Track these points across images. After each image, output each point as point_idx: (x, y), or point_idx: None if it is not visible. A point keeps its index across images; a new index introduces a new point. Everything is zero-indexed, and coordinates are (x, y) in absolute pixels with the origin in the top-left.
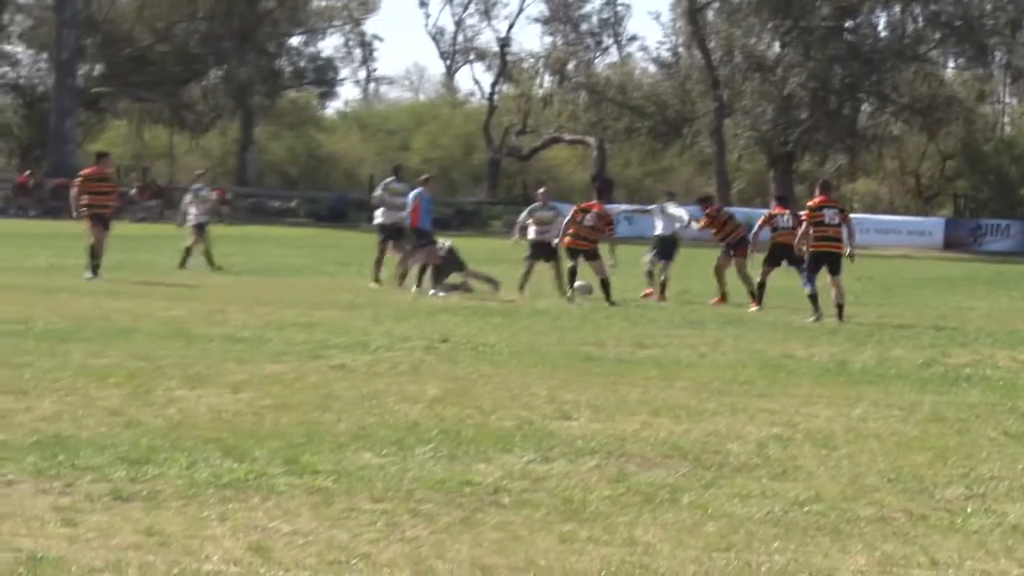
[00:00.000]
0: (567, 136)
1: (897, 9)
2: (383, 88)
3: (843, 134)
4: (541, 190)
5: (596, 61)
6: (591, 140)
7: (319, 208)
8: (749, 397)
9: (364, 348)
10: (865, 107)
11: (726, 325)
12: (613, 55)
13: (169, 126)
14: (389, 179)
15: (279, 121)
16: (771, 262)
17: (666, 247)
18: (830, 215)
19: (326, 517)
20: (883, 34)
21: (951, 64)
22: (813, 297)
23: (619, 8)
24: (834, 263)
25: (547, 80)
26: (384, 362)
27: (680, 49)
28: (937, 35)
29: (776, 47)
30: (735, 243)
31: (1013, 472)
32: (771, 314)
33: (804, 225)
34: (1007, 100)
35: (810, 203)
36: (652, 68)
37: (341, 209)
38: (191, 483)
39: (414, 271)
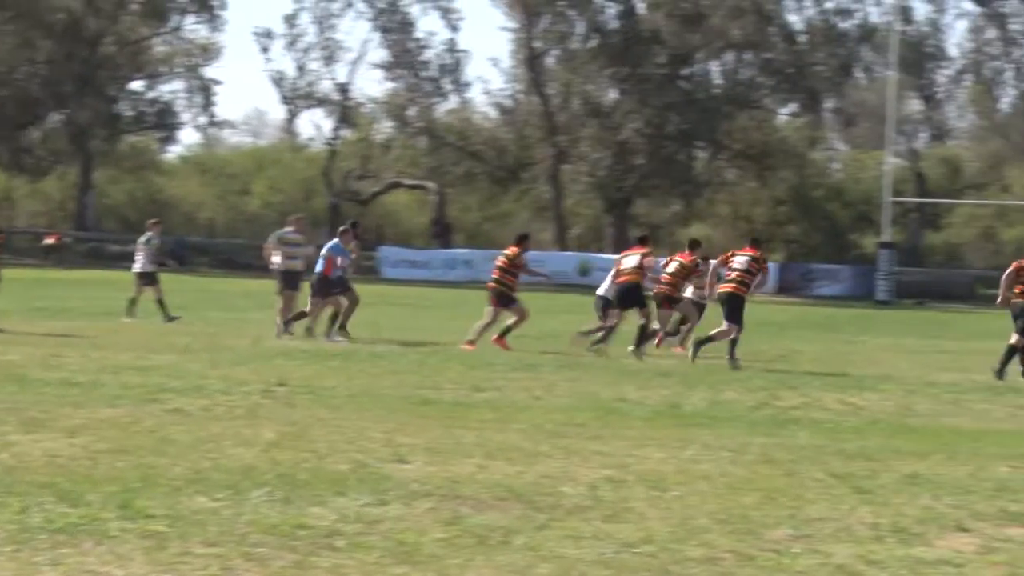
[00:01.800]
0: (407, 181)
1: (731, 57)
2: (224, 132)
3: (678, 180)
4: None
5: (436, 107)
6: (431, 185)
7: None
8: (582, 440)
9: (200, 392)
10: (700, 153)
11: (561, 368)
12: (453, 101)
13: (7, 170)
14: (285, 230)
15: (119, 165)
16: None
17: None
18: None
19: (159, 562)
20: (717, 81)
21: (783, 111)
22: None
23: (459, 54)
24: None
25: (387, 125)
26: (221, 406)
27: (519, 95)
28: (770, 82)
29: (613, 94)
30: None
31: (839, 513)
32: (605, 359)
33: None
34: (838, 146)
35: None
36: (492, 113)
37: (180, 253)
38: (23, 528)
39: (323, 317)
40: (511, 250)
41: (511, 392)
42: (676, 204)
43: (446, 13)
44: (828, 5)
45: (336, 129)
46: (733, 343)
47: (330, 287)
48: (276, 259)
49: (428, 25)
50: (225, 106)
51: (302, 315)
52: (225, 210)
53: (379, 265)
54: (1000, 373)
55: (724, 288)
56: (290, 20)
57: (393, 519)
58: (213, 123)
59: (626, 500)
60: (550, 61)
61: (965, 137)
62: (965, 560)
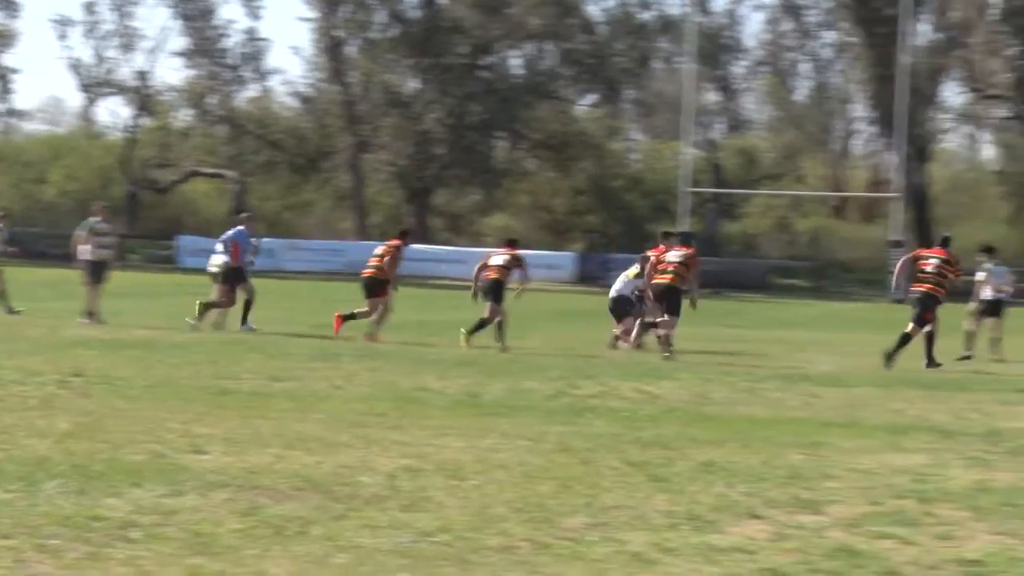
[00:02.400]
0: (206, 169)
1: (531, 47)
2: (20, 121)
3: (478, 169)
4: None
5: (236, 95)
6: (230, 174)
7: None
8: (382, 429)
9: None
10: (500, 143)
11: (362, 358)
12: (254, 89)
13: None
14: (93, 219)
15: None
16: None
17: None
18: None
19: None
20: (518, 71)
21: (583, 101)
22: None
23: (259, 43)
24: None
25: (186, 113)
26: (14, 396)
27: (320, 84)
28: (569, 72)
29: (414, 83)
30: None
31: (635, 501)
32: (406, 347)
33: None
34: (636, 136)
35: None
36: (292, 102)
37: None
38: None
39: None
40: (394, 242)
41: (311, 382)
42: (476, 194)
43: (247, 1)
44: None
45: (135, 117)
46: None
47: (239, 275)
48: (85, 249)
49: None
50: (22, 94)
51: (214, 305)
52: (21, 198)
53: (177, 254)
54: (889, 358)
55: (661, 280)
56: (89, 7)
57: (190, 510)
58: (11, 112)
59: (424, 489)
60: (351, 50)
61: (761, 128)
62: (758, 547)
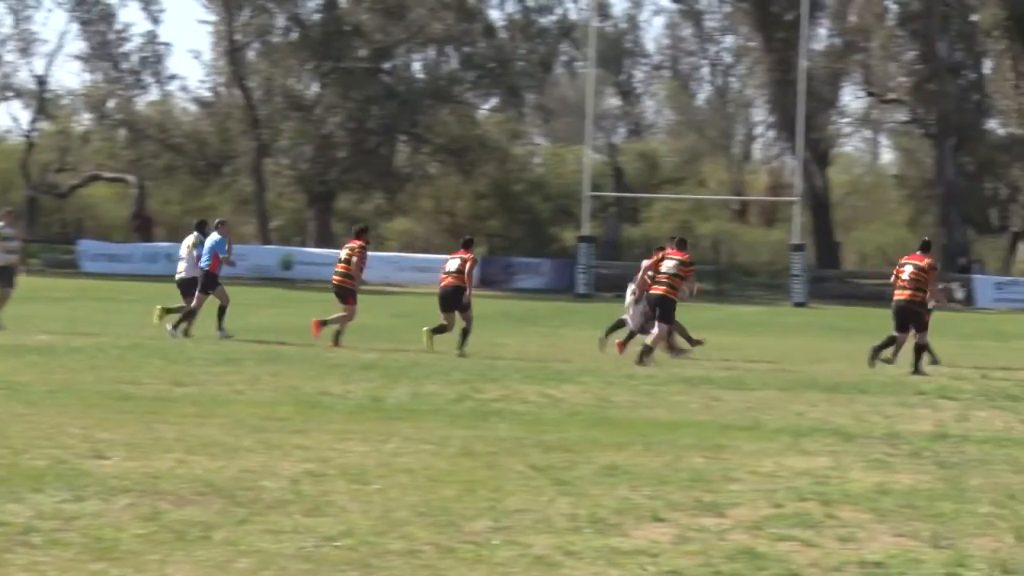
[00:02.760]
0: (106, 174)
1: (433, 51)
2: None
3: (381, 173)
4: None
5: (136, 99)
6: (131, 178)
7: None
8: (284, 434)
9: None
10: (402, 147)
11: (264, 362)
12: (154, 93)
13: None
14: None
15: None
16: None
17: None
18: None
19: None
20: (419, 75)
21: (485, 105)
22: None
23: (160, 47)
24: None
25: (86, 117)
26: None
27: (221, 88)
28: (471, 76)
29: (316, 87)
30: None
31: (538, 504)
32: (310, 351)
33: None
34: (538, 141)
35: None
36: (193, 107)
37: None
38: None
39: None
40: (356, 243)
41: (213, 387)
42: (379, 198)
43: (147, 5)
44: (529, 1)
45: (33, 121)
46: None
47: (215, 282)
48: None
49: (128, 17)
50: None
51: (191, 313)
52: None
53: (78, 259)
54: (874, 356)
55: (656, 290)
56: None
57: (91, 515)
58: None
59: (327, 494)
60: (251, 54)
61: (662, 132)
62: (660, 550)
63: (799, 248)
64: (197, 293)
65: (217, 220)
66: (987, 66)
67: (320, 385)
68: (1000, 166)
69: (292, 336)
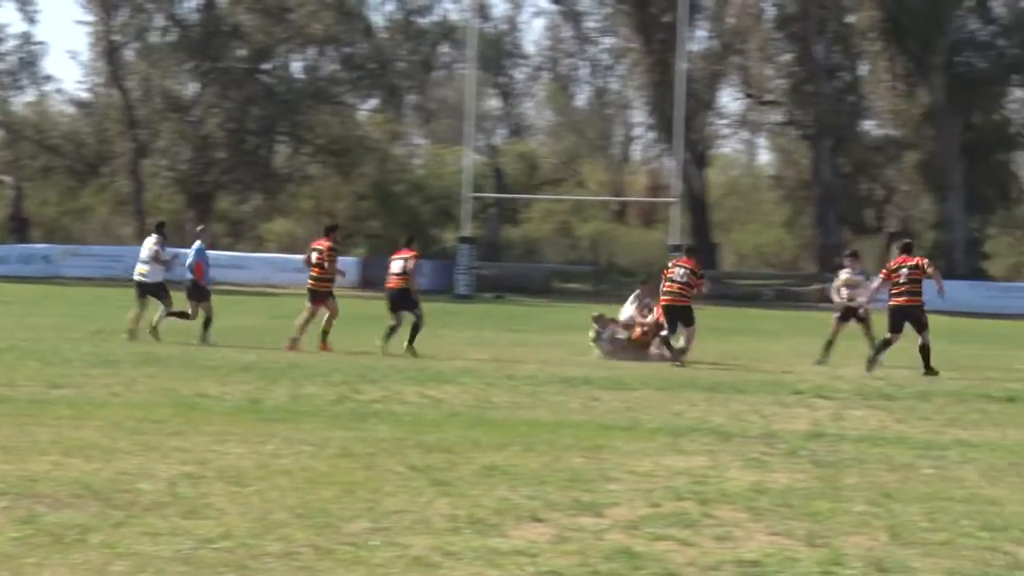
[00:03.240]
0: None
1: (313, 51)
2: None
3: (260, 174)
4: None
5: (12, 100)
6: (7, 179)
7: None
8: (161, 436)
9: None
10: (281, 148)
11: (141, 364)
12: (31, 94)
13: None
14: None
15: None
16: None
17: None
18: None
19: None
20: (299, 76)
21: (364, 106)
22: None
23: (36, 47)
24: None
25: None
26: None
27: (99, 88)
28: (351, 77)
29: (194, 88)
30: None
31: (417, 505)
32: (187, 352)
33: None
34: (418, 141)
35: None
36: (70, 108)
37: None
38: None
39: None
40: (324, 243)
41: (89, 389)
42: (258, 198)
43: (23, 6)
44: (409, 2)
45: None
46: None
47: (204, 292)
48: None
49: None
50: None
51: (184, 315)
52: None
53: None
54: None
55: (665, 301)
56: None
57: None
58: None
59: (205, 496)
60: (129, 55)
61: (542, 133)
62: (539, 550)
63: (677, 248)
64: (189, 301)
65: (199, 227)
66: (863, 68)
67: (198, 387)
68: (875, 167)
69: (173, 336)
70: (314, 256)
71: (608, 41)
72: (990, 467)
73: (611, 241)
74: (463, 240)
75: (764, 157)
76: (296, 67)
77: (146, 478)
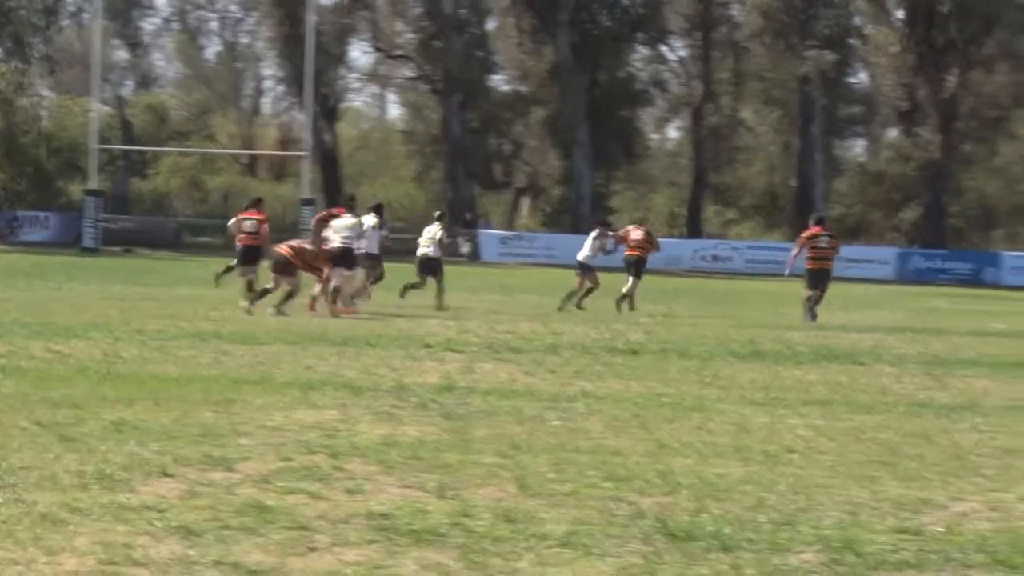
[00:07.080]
0: None
1: None
2: None
3: None
4: None
5: None
6: None
7: None
8: None
9: None
10: None
11: None
12: None
13: None
14: None
15: None
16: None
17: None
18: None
19: None
20: None
21: None
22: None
23: None
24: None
25: None
26: None
27: None
28: None
29: None
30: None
31: (44, 461)
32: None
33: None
34: (44, 92)
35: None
36: None
37: None
38: None
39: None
40: (259, 215)
41: None
42: None
43: None
44: None
45: None
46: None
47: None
48: None
49: None
50: None
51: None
52: None
53: None
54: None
55: (632, 253)
56: None
57: None
58: None
59: None
60: None
61: (171, 86)
62: (169, 505)
63: (309, 202)
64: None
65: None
66: (492, 23)
67: None
68: (504, 122)
69: None
70: (249, 225)
71: None
72: (614, 418)
73: (241, 195)
74: (89, 193)
75: (395, 111)
76: None
77: None
